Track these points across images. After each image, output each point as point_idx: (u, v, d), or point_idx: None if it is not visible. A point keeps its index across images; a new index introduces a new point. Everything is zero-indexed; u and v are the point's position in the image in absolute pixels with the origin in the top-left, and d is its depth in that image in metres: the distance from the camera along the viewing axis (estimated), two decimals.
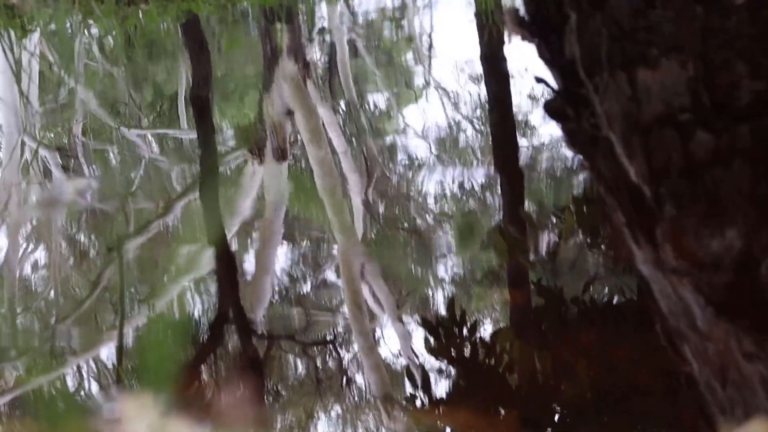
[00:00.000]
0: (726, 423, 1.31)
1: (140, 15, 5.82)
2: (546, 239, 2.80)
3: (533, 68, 4.32)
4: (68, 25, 5.93)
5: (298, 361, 2.31)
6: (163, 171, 3.87)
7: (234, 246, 3.04)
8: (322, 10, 7.01)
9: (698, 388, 1.37)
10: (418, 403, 2.06)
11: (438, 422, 2.00)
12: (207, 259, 2.88)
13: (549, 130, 3.78)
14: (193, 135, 4.30)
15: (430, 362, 2.21)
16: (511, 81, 4.47)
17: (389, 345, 2.34)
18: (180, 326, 2.52)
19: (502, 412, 1.94)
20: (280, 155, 3.75)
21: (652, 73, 1.50)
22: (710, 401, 1.34)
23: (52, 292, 2.85)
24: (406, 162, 3.81)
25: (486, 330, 2.34)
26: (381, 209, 3.34)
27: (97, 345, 2.44)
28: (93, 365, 2.35)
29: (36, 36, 5.80)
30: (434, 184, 3.50)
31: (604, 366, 2.02)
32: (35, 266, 3.05)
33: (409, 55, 6.02)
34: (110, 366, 2.31)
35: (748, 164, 1.40)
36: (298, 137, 3.95)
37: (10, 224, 3.30)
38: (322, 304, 2.64)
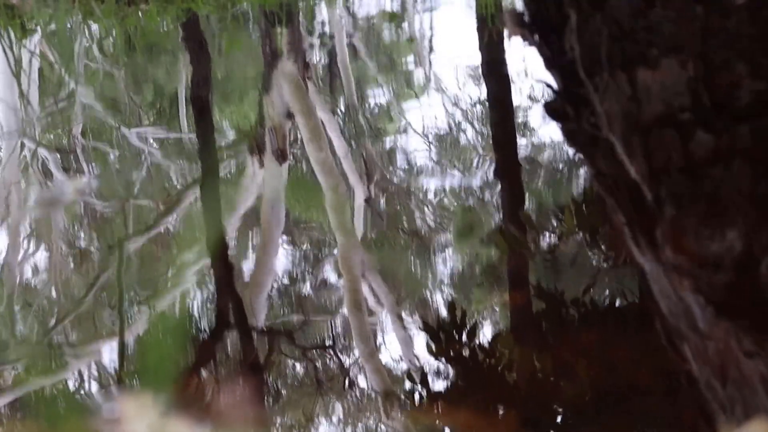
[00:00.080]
0: (726, 422, 1.31)
1: (140, 15, 5.82)
2: (546, 239, 2.80)
3: (533, 68, 4.32)
4: (68, 25, 5.93)
5: (298, 362, 2.31)
6: (163, 171, 3.87)
7: (234, 246, 3.05)
8: (322, 10, 7.01)
9: (698, 388, 1.37)
10: (417, 402, 2.06)
11: (438, 422, 2.00)
12: (207, 259, 2.88)
13: (549, 131, 3.78)
14: (193, 135, 4.30)
15: (431, 363, 2.21)
16: (511, 81, 4.47)
17: (389, 346, 2.34)
18: (180, 326, 2.52)
19: (502, 412, 1.94)
20: (280, 156, 3.75)
21: (652, 73, 1.50)
22: (710, 400, 1.34)
23: (52, 292, 2.85)
24: (406, 162, 3.81)
25: (486, 331, 2.34)
26: (381, 210, 3.34)
27: (97, 345, 2.44)
28: (93, 365, 2.35)
29: (36, 36, 5.80)
30: (434, 184, 3.50)
31: (604, 366, 2.02)
32: (35, 266, 3.05)
33: (410, 56, 6.02)
34: (110, 366, 2.31)
35: (748, 164, 1.40)
36: (299, 138, 3.95)
37: (10, 224, 3.30)
38: (322, 304, 2.64)
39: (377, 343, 2.36)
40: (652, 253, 1.45)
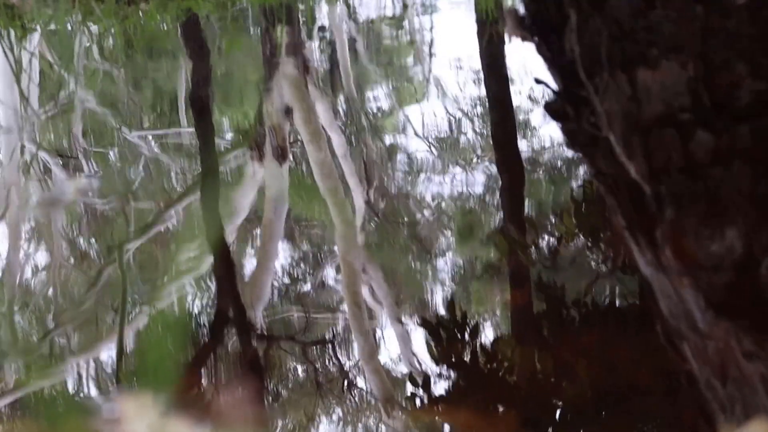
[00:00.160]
0: (726, 422, 1.31)
1: (140, 15, 5.83)
2: (546, 239, 2.80)
3: (533, 68, 4.33)
4: (68, 25, 5.93)
5: (298, 362, 2.31)
6: (163, 171, 3.87)
7: (234, 246, 3.04)
8: (322, 11, 7.01)
9: (698, 388, 1.37)
10: (418, 402, 2.06)
11: (438, 421, 2.00)
12: (207, 259, 2.88)
13: (549, 131, 3.78)
14: (194, 135, 4.30)
15: (431, 363, 2.21)
16: (511, 81, 4.47)
17: (389, 346, 2.34)
18: (180, 326, 2.52)
19: (502, 411, 1.94)
20: (280, 155, 3.75)
21: (652, 73, 1.50)
22: (710, 400, 1.34)
23: (52, 292, 2.85)
24: (407, 162, 3.81)
25: (486, 330, 2.34)
26: (381, 209, 3.34)
27: (97, 345, 2.44)
28: (93, 365, 2.35)
29: (36, 36, 5.80)
30: (434, 183, 3.50)
31: (604, 366, 2.02)
32: (35, 266, 3.05)
33: (409, 56, 6.02)
34: (110, 366, 2.31)
35: (748, 164, 1.40)
36: (298, 137, 3.95)
37: (10, 224, 3.30)
38: (322, 303, 2.64)
39: (377, 342, 2.36)
40: (652, 253, 1.45)
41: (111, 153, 4.14)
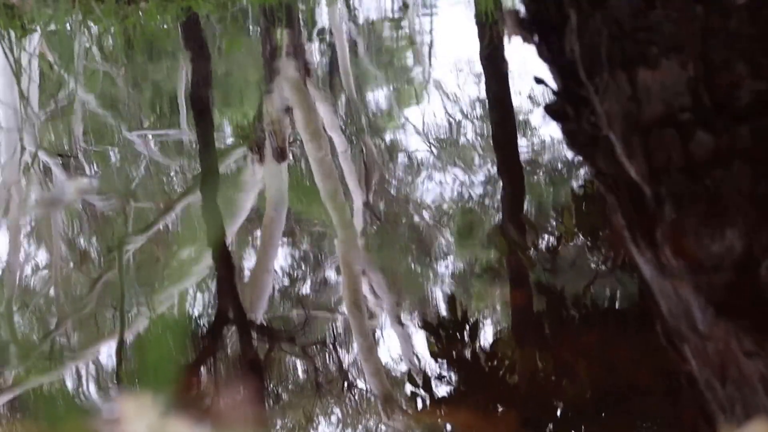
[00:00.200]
0: (726, 422, 1.31)
1: (140, 14, 5.82)
2: (546, 239, 2.80)
3: (533, 68, 4.32)
4: (68, 25, 5.93)
5: (298, 362, 2.31)
6: (163, 171, 3.87)
7: (234, 246, 3.04)
8: (322, 10, 7.01)
9: (698, 388, 1.37)
10: (418, 402, 2.06)
11: (438, 422, 2.00)
12: (207, 259, 2.88)
13: (549, 130, 3.78)
14: (193, 135, 4.30)
15: (431, 363, 2.21)
16: (511, 81, 4.47)
17: (389, 346, 2.34)
18: (180, 326, 2.52)
19: (502, 411, 1.94)
20: (280, 155, 3.75)
21: (653, 73, 1.49)
22: (710, 400, 1.34)
23: (52, 292, 2.85)
24: (406, 162, 3.81)
25: (487, 330, 2.34)
26: (381, 209, 3.34)
27: (96, 345, 2.44)
28: (92, 365, 2.35)
29: (36, 36, 5.80)
30: (434, 183, 3.50)
31: (604, 366, 2.02)
32: (35, 266, 3.05)
33: (410, 55, 6.02)
34: (110, 366, 2.31)
35: (748, 164, 1.40)
36: (298, 137, 3.95)
37: (10, 224, 3.30)
38: (322, 303, 2.64)
39: (377, 342, 2.36)
40: (652, 253, 1.45)
41: (111, 153, 4.14)
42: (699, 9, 1.50)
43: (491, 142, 3.98)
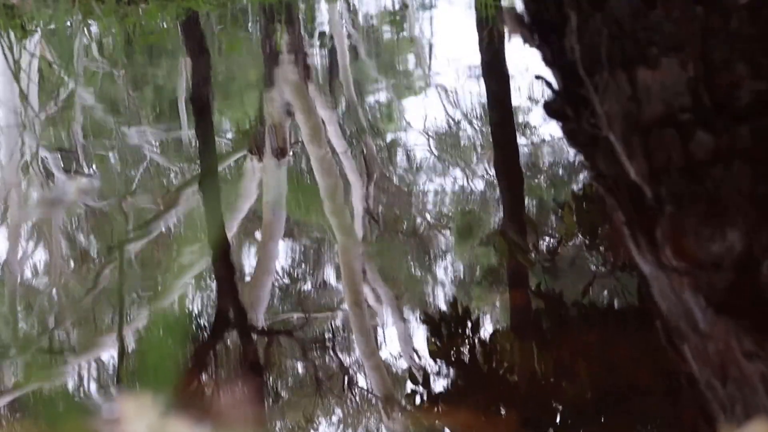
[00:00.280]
0: (726, 422, 1.31)
1: (140, 14, 5.82)
2: (546, 240, 2.80)
3: (533, 68, 4.32)
4: (68, 25, 5.93)
5: (298, 362, 2.31)
6: (163, 171, 3.87)
7: (234, 246, 3.04)
8: (322, 10, 7.01)
9: (698, 388, 1.37)
10: (418, 402, 2.06)
11: (438, 422, 2.00)
12: (207, 259, 2.88)
13: (549, 130, 3.78)
14: (193, 135, 4.30)
15: (431, 362, 2.21)
16: (511, 81, 4.47)
17: (390, 345, 2.34)
18: (180, 326, 2.52)
19: (503, 412, 1.94)
20: (280, 155, 3.75)
21: (653, 72, 1.49)
22: (710, 400, 1.34)
23: (53, 292, 2.85)
24: (406, 162, 3.81)
25: (487, 330, 2.34)
26: (381, 209, 3.34)
27: (96, 345, 2.44)
28: (93, 365, 2.35)
29: (36, 36, 5.80)
30: (434, 183, 3.50)
31: (604, 366, 2.02)
32: (36, 266, 3.05)
33: (409, 55, 6.02)
34: (110, 366, 2.31)
35: (748, 164, 1.40)
36: (298, 137, 3.95)
37: (10, 224, 3.30)
38: (322, 304, 2.64)
39: (377, 342, 2.36)
40: (652, 253, 1.45)
41: (111, 153, 4.14)
42: (699, 9, 1.50)
43: (491, 141, 3.98)
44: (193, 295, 2.70)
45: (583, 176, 3.33)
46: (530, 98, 4.29)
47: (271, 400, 2.14)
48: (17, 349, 2.44)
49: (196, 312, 2.61)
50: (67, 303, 2.75)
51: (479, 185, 3.44)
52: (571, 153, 3.50)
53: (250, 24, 6.63)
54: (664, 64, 1.50)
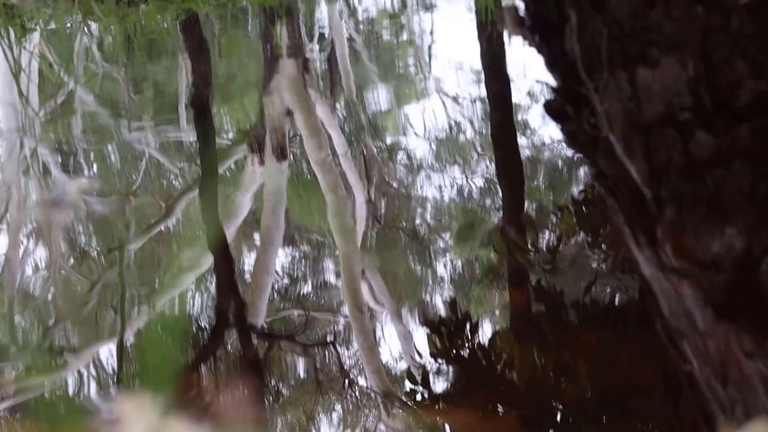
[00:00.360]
0: (727, 423, 1.31)
1: (140, 15, 5.82)
2: (546, 240, 2.80)
3: (533, 68, 4.32)
4: (68, 25, 5.92)
5: (298, 362, 2.31)
6: (163, 171, 3.87)
7: (234, 246, 3.04)
8: (322, 10, 7.01)
9: (699, 388, 1.37)
10: (418, 400, 2.06)
11: (438, 421, 2.00)
12: (207, 259, 2.88)
13: (549, 130, 3.78)
14: (193, 135, 4.30)
15: (431, 362, 2.21)
16: (511, 81, 4.47)
17: (389, 345, 2.34)
18: (180, 326, 2.52)
19: (502, 412, 1.94)
20: (280, 155, 3.75)
21: (653, 72, 1.49)
22: (711, 401, 1.34)
23: (52, 292, 2.85)
24: (406, 162, 3.81)
25: (487, 330, 2.34)
26: (381, 209, 3.34)
27: (96, 345, 2.44)
28: (92, 366, 2.34)
29: (36, 36, 5.80)
30: (434, 184, 3.50)
31: (604, 366, 2.02)
32: (36, 266, 3.05)
33: (409, 55, 6.02)
34: (110, 366, 2.31)
35: (749, 164, 1.40)
36: (298, 137, 3.95)
37: (10, 224, 3.30)
38: (322, 304, 2.64)
39: (377, 342, 2.36)
40: (652, 253, 1.44)
41: (111, 153, 4.14)
42: (699, 9, 1.50)
43: (491, 141, 3.98)
44: (193, 294, 2.70)
45: (583, 176, 3.33)
46: (530, 95, 4.29)
47: (271, 399, 2.14)
48: (17, 349, 2.43)
49: (196, 312, 2.61)
50: (67, 303, 2.75)
51: (479, 186, 3.43)
52: (570, 153, 3.50)
53: (250, 24, 6.63)
54: (664, 64, 1.50)
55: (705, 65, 1.47)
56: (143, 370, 2.27)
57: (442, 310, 2.47)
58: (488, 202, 3.29)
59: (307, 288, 2.77)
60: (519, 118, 4.12)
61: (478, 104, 4.46)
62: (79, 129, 4.40)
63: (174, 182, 3.74)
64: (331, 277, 2.81)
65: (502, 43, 4.97)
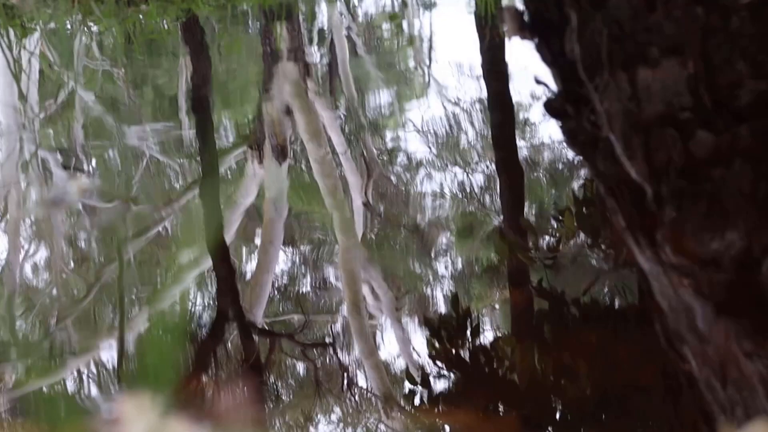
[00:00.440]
0: (726, 423, 1.31)
1: (140, 16, 5.82)
2: (546, 240, 2.80)
3: (533, 68, 4.32)
4: (68, 25, 5.93)
5: (298, 362, 2.31)
6: (163, 171, 3.87)
7: (234, 245, 3.04)
8: (322, 10, 7.01)
9: (698, 388, 1.37)
10: (417, 401, 2.06)
11: (438, 422, 2.00)
12: (207, 259, 2.88)
13: (549, 130, 3.78)
14: (193, 135, 4.30)
15: (431, 362, 2.21)
16: (511, 80, 4.47)
17: (389, 345, 2.34)
18: (180, 326, 2.52)
19: (503, 412, 1.94)
20: (280, 155, 3.75)
21: (653, 72, 1.49)
22: (711, 401, 1.34)
23: (53, 292, 2.85)
24: (406, 161, 3.81)
25: (487, 330, 2.34)
26: (381, 208, 3.34)
27: (96, 345, 2.44)
28: (92, 366, 2.34)
29: (36, 36, 5.80)
30: (434, 183, 3.50)
31: (604, 366, 2.02)
32: (36, 266, 3.05)
33: (409, 55, 6.02)
34: (110, 366, 2.31)
35: (749, 164, 1.40)
36: (298, 137, 3.95)
37: (10, 224, 3.30)
38: (321, 304, 2.64)
39: (377, 342, 2.36)
40: (652, 252, 1.44)
41: (111, 153, 4.14)
42: (699, 9, 1.50)
43: (491, 141, 3.98)
44: (193, 294, 2.70)
45: (583, 176, 3.33)
46: (531, 95, 4.29)
47: (271, 399, 2.14)
48: (17, 350, 2.43)
49: (196, 312, 2.61)
50: (67, 303, 2.75)
51: (479, 185, 3.43)
52: (570, 153, 3.50)
53: (250, 24, 6.63)
54: (664, 64, 1.50)
55: (705, 65, 1.47)
56: (143, 370, 2.27)
57: (442, 308, 2.47)
58: (488, 201, 3.29)
59: (306, 288, 2.77)
60: (519, 117, 4.12)
61: (478, 103, 4.46)
62: (79, 128, 4.40)
63: (174, 181, 3.75)
64: (331, 277, 2.82)
65: (502, 42, 4.97)
